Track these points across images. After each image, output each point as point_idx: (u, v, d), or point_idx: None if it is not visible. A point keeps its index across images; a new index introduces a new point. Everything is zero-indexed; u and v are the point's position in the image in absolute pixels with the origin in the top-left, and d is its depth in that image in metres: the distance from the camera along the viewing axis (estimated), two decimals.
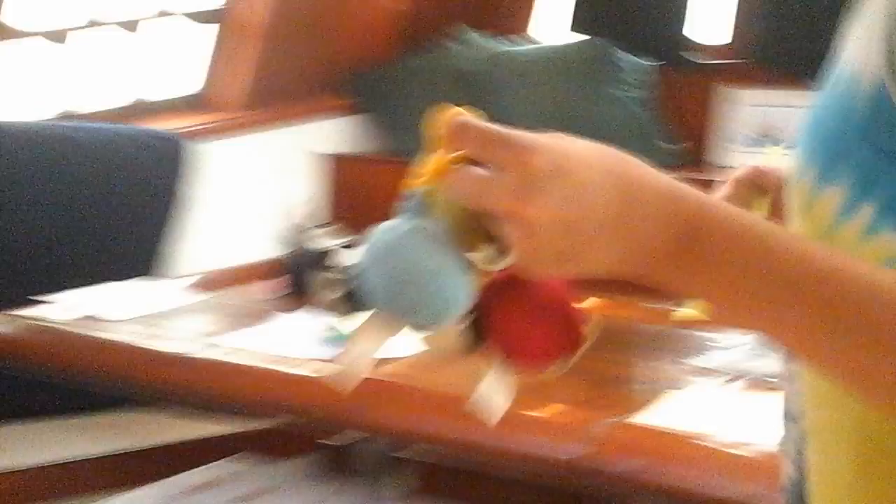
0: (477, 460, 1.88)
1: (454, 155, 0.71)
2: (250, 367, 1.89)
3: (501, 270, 0.74)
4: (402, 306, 0.73)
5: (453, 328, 0.76)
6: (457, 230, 0.73)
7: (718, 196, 0.95)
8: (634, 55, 3.67)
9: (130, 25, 3.45)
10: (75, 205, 2.99)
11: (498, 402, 0.78)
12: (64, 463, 2.57)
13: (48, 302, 2.19)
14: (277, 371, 1.88)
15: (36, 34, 3.25)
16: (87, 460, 2.61)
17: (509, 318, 0.76)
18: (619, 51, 3.67)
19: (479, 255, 0.73)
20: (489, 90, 3.73)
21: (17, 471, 2.53)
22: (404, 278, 0.72)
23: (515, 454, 1.74)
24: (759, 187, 0.96)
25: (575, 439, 1.71)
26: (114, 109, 3.43)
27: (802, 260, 0.72)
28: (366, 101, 3.86)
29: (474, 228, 0.73)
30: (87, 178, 3.04)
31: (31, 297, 2.20)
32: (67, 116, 3.30)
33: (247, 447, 2.44)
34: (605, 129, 3.36)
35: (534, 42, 4.00)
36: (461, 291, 0.73)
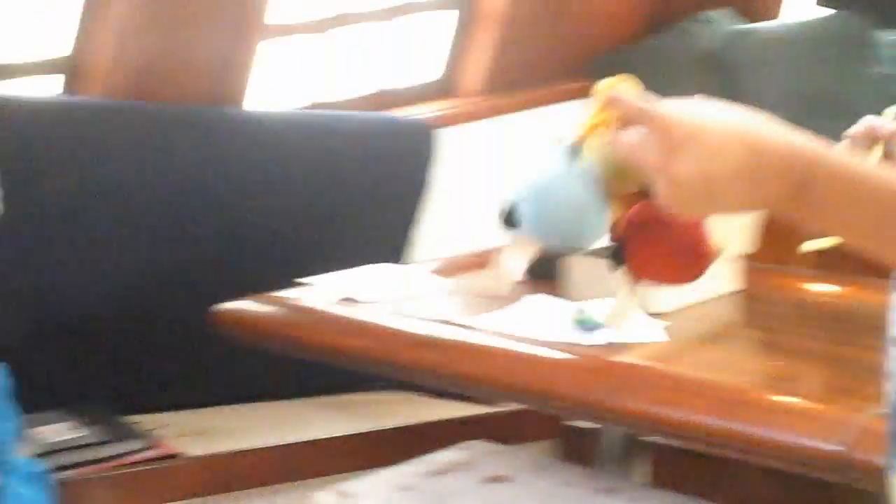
0: (724, 448, 1.84)
1: (607, 117, 0.91)
2: (500, 350, 1.91)
3: (639, 210, 0.96)
4: (552, 230, 0.93)
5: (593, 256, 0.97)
6: (608, 175, 0.92)
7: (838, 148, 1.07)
8: (890, 30, 3.51)
9: (380, 16, 3.54)
10: (330, 190, 3.10)
11: (626, 315, 1.01)
12: (312, 441, 2.66)
13: (306, 284, 2.26)
14: (527, 354, 1.89)
15: (298, 30, 3.39)
16: (333, 439, 2.70)
17: (642, 245, 0.96)
18: (873, 26, 3.51)
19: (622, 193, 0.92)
20: (732, 70, 3.65)
21: (267, 448, 2.64)
22: (558, 208, 0.92)
23: (768, 444, 1.70)
24: (873, 139, 1.16)
25: (832, 431, 1.65)
26: (359, 98, 3.52)
27: None
28: None
29: (622, 174, 0.92)
30: (341, 165, 3.15)
31: (290, 280, 2.29)
32: (317, 106, 3.42)
33: (489, 430, 2.47)
34: (859, 111, 3.23)
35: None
36: (600, 224, 0.94)
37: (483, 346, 1.93)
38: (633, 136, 0.89)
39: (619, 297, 1.03)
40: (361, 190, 3.16)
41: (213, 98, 3.14)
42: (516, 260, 1.05)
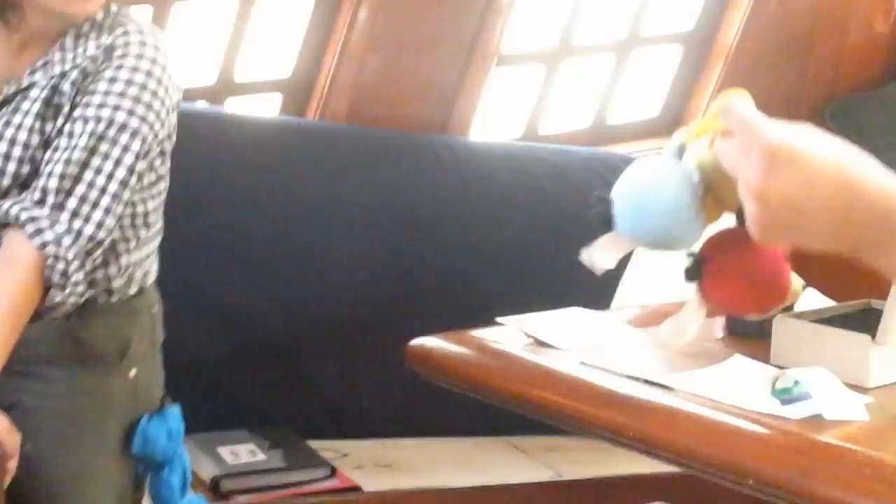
0: None
1: (719, 125, 0.91)
2: (688, 414, 1.81)
3: (727, 232, 0.95)
4: (645, 229, 0.92)
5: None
6: (707, 181, 0.93)
7: None
8: None
9: (606, 48, 3.47)
10: (543, 226, 3.05)
11: (689, 331, 0.99)
12: (492, 486, 2.60)
13: (502, 324, 2.21)
14: (717, 422, 1.78)
15: (528, 59, 3.36)
16: (513, 486, 2.63)
17: (721, 267, 0.94)
18: None
19: (725, 200, 0.92)
20: None
21: (447, 490, 2.59)
22: (653, 207, 0.91)
23: None
24: None
25: None
26: (573, 132, 3.46)
27: None
28: (840, 129, 3.64)
29: (722, 183, 0.90)
30: (555, 200, 3.08)
31: (491, 317, 2.24)
32: (537, 138, 3.37)
33: (674, 490, 2.36)
34: None
35: None
36: (695, 228, 0.93)
37: (672, 409, 1.83)
38: (736, 147, 0.88)
39: (685, 312, 1.01)
40: (574, 227, 3.08)
41: (437, 125, 3.14)
42: (607, 256, 0.98)
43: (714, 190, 0.95)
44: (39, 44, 1.68)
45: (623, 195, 0.93)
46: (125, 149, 1.64)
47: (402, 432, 2.85)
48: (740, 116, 0.89)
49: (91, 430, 1.79)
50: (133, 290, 1.78)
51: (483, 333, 2.23)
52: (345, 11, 3.08)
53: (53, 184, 1.61)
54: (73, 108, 1.63)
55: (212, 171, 2.83)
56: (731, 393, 1.86)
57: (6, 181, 1.64)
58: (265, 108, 3.21)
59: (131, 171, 1.65)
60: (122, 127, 1.63)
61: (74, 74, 1.65)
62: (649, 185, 0.94)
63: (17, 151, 1.63)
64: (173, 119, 1.74)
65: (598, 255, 0.99)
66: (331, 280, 2.87)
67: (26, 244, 1.59)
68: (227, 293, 2.77)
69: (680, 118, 3.53)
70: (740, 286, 0.96)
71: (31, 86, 1.65)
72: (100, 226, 1.63)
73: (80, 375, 1.74)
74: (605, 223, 0.97)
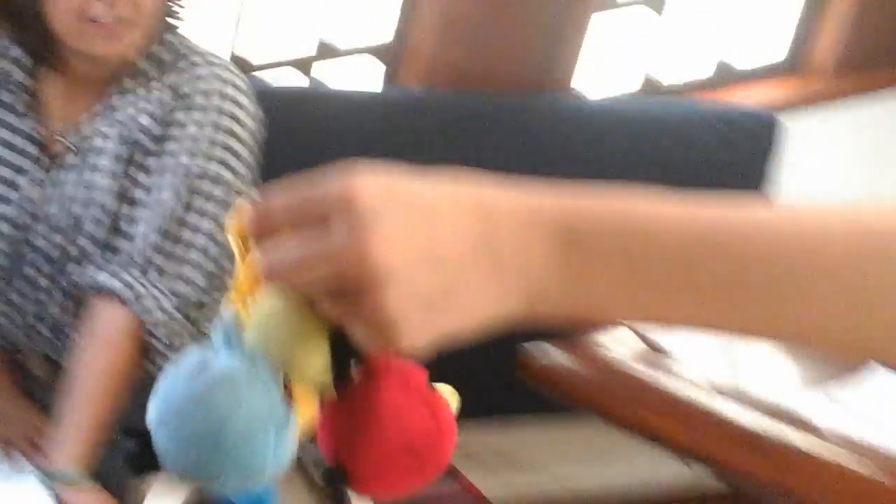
0: None
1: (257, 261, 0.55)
2: (847, 473, 1.64)
3: (341, 399, 0.60)
4: (201, 471, 0.57)
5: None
6: (279, 350, 0.57)
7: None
8: None
9: None
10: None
11: None
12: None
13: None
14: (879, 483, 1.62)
15: (637, 3, 3.15)
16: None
17: (370, 452, 0.61)
18: None
19: (311, 370, 0.57)
20: None
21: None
22: (203, 439, 0.56)
23: None
24: None
25: None
26: (697, 81, 3.24)
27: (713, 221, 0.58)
28: None
29: (308, 338, 0.57)
30: (673, 160, 2.90)
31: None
32: (650, 88, 3.18)
33: None
34: None
35: None
36: (280, 444, 0.58)
37: (821, 462, 1.66)
38: (294, 241, 0.56)
39: None
40: (694, 189, 2.90)
41: (540, 83, 2.96)
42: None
43: (295, 353, 0.58)
44: (91, 87, 1.56)
45: (165, 421, 0.58)
46: (214, 201, 1.54)
47: (510, 413, 2.70)
48: (285, 195, 0.57)
49: None
50: None
51: (598, 338, 2.09)
52: None
53: (140, 245, 1.51)
54: (148, 157, 1.51)
55: (312, 148, 2.71)
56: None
57: (84, 241, 1.54)
58: (362, 74, 3.07)
59: (220, 222, 1.54)
60: (210, 177, 1.52)
61: (144, 121, 1.53)
62: (199, 402, 0.58)
63: (93, 211, 1.53)
64: (257, 156, 1.62)
65: (159, 497, 0.60)
66: None
67: (126, 313, 1.50)
68: None
69: (808, 59, 3.29)
70: (400, 459, 0.62)
71: (95, 135, 1.54)
72: (195, 284, 1.54)
73: None
74: (150, 466, 0.61)
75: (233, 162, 1.54)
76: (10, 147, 1.56)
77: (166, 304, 1.51)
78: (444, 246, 0.56)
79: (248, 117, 1.57)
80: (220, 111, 1.53)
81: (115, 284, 1.50)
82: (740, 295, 0.58)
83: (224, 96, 1.54)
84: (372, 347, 0.56)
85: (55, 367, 1.61)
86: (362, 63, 3.05)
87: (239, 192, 1.56)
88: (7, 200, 1.54)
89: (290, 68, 2.99)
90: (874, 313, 0.57)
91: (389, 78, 3.02)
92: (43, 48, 1.53)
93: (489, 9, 2.90)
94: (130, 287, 1.50)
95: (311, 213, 0.56)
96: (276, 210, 0.57)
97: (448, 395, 0.68)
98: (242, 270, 0.58)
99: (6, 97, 1.56)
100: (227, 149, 1.53)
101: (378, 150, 2.72)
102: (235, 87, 1.55)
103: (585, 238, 0.58)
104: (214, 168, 1.52)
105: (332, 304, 0.56)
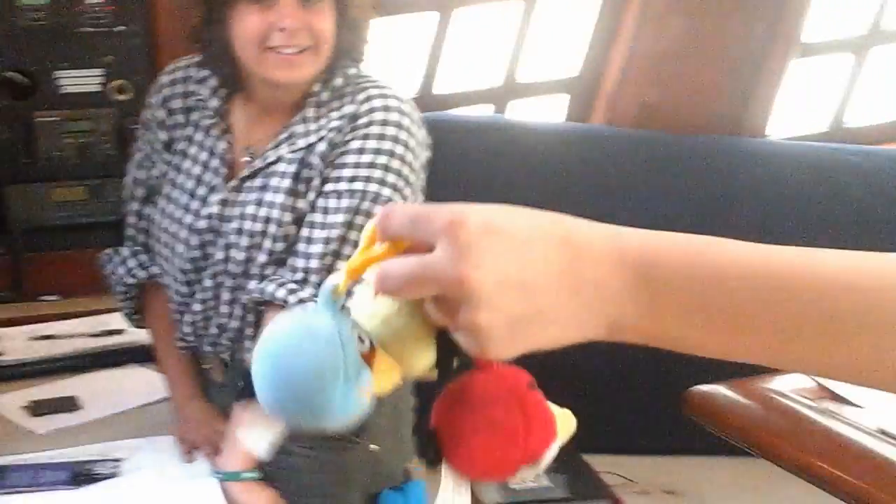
0: None
1: (379, 250, 0.65)
2: None
3: (450, 389, 0.70)
4: (277, 405, 0.67)
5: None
6: (379, 336, 0.68)
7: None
8: None
9: None
10: (841, 236, 2.83)
11: None
12: None
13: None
14: None
15: (831, 49, 3.12)
16: None
17: (460, 435, 0.70)
18: None
19: (421, 364, 0.67)
20: None
21: None
22: (288, 380, 0.66)
23: None
24: None
25: None
26: (882, 125, 3.18)
27: (768, 267, 0.65)
28: None
29: (395, 336, 0.67)
30: (851, 205, 2.86)
31: None
32: (837, 133, 3.13)
33: None
34: None
35: None
36: (346, 397, 0.67)
37: None
38: (409, 257, 0.63)
39: (446, 496, 0.72)
40: (881, 236, 2.84)
41: (732, 128, 2.96)
42: (256, 438, 0.76)
43: (387, 346, 0.68)
44: (276, 113, 1.66)
45: (258, 358, 0.68)
46: None
47: (679, 450, 2.70)
48: (403, 211, 0.65)
49: None
50: None
51: (772, 384, 2.07)
52: (633, 7, 2.95)
53: (315, 263, 1.59)
54: (323, 181, 1.61)
55: (496, 180, 2.78)
56: None
57: (262, 258, 1.63)
58: (551, 109, 3.13)
59: None
60: (375, 198, 1.60)
61: (321, 147, 1.62)
62: (284, 344, 0.67)
63: (272, 229, 1.62)
64: (422, 180, 1.69)
65: (249, 437, 0.73)
66: None
67: None
68: None
69: None
70: (483, 446, 0.70)
71: (276, 159, 1.64)
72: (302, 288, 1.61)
73: (320, 450, 1.71)
74: (249, 396, 0.72)
75: (400, 185, 1.61)
76: (206, 167, 1.68)
77: None
78: (534, 274, 0.63)
79: (417, 144, 1.64)
80: (382, 136, 1.60)
81: (290, 299, 1.58)
82: (795, 335, 0.64)
83: (386, 123, 1.61)
84: (469, 351, 0.65)
85: (233, 372, 1.71)
86: (550, 98, 3.11)
87: None
88: (198, 215, 1.66)
89: (481, 103, 3.07)
90: None
91: (576, 112, 3.07)
92: (233, 77, 1.64)
93: (684, 50, 2.92)
94: (301, 302, 1.58)
95: (423, 231, 0.64)
96: (397, 220, 0.65)
97: (561, 414, 0.76)
98: (359, 258, 0.67)
99: (205, 121, 1.68)
100: (397, 173, 1.60)
101: (560, 181, 2.79)
102: (405, 114, 1.62)
103: (658, 276, 0.65)
104: (374, 187, 1.59)
105: (437, 312, 0.65)
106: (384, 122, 1.63)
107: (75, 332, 2.09)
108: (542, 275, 0.63)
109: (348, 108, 1.64)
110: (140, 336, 2.04)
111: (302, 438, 1.67)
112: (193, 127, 1.71)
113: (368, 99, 1.64)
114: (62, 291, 2.33)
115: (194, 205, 1.67)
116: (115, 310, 2.18)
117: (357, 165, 1.61)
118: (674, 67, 2.93)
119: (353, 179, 1.61)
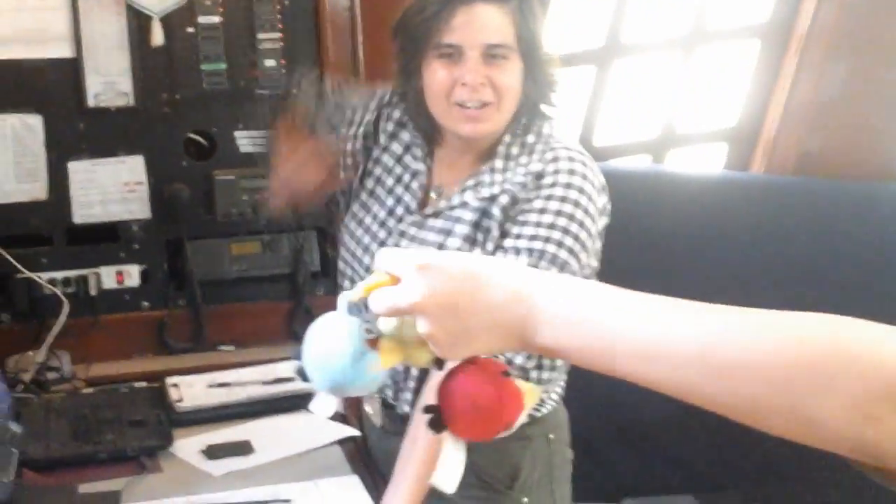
0: None
1: (379, 279, 0.96)
2: None
3: (447, 375, 1.01)
4: (318, 373, 0.99)
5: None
6: (406, 348, 0.98)
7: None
8: None
9: None
10: None
11: (455, 474, 1.04)
12: None
13: None
14: None
15: None
16: None
17: (455, 412, 1.00)
18: None
19: (423, 359, 0.98)
20: None
21: None
22: (314, 354, 0.99)
23: None
24: None
25: None
26: None
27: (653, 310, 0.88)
28: None
29: (410, 336, 0.97)
30: None
31: None
32: None
33: None
34: None
35: None
36: (361, 369, 0.98)
37: None
38: (390, 288, 0.94)
39: (448, 456, 1.04)
40: None
41: (891, 173, 2.93)
42: (322, 406, 1.07)
43: (398, 343, 0.99)
44: (468, 157, 1.73)
45: (304, 347, 1.01)
46: None
47: None
48: (392, 256, 0.95)
49: None
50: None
51: None
52: (791, 55, 2.95)
53: None
54: (502, 234, 1.66)
55: (655, 229, 2.82)
56: None
57: None
58: (709, 159, 3.15)
59: None
60: (553, 259, 1.62)
61: (504, 199, 1.67)
62: (318, 335, 1.00)
63: None
64: (598, 245, 1.72)
65: (316, 406, 1.08)
66: None
67: None
68: None
69: None
70: (471, 413, 1.01)
71: (460, 203, 1.70)
72: (531, 359, 1.64)
73: (468, 500, 1.71)
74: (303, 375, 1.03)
75: (569, 243, 1.63)
76: (408, 188, 1.77)
77: (518, 360, 1.61)
78: (464, 306, 0.91)
79: (597, 211, 1.67)
80: (565, 199, 1.64)
81: None
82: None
83: (570, 186, 1.64)
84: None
85: (392, 415, 1.78)
86: (709, 146, 3.13)
87: (573, 274, 1.63)
88: (391, 232, 1.74)
89: (639, 154, 3.11)
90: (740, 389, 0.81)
91: (734, 161, 3.08)
92: (429, 129, 1.73)
93: (844, 96, 2.90)
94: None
95: (397, 269, 0.94)
96: (387, 259, 0.96)
97: (527, 388, 1.07)
98: (372, 283, 0.96)
99: (412, 163, 1.77)
100: (566, 231, 1.63)
101: (718, 228, 2.80)
102: (584, 177, 1.65)
103: (547, 308, 0.90)
104: (552, 248, 1.62)
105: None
106: (568, 186, 1.66)
107: (249, 380, 2.20)
108: (470, 307, 0.91)
109: (535, 166, 1.69)
110: (308, 384, 2.15)
111: (464, 487, 1.70)
112: (403, 147, 1.80)
113: (556, 160, 1.68)
114: (236, 341, 2.45)
115: (391, 222, 1.75)
116: (285, 358, 2.30)
117: (538, 225, 1.65)
118: (834, 114, 2.91)
119: (532, 238, 1.64)
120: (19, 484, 1.72)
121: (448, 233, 1.71)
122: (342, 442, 1.97)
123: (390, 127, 1.83)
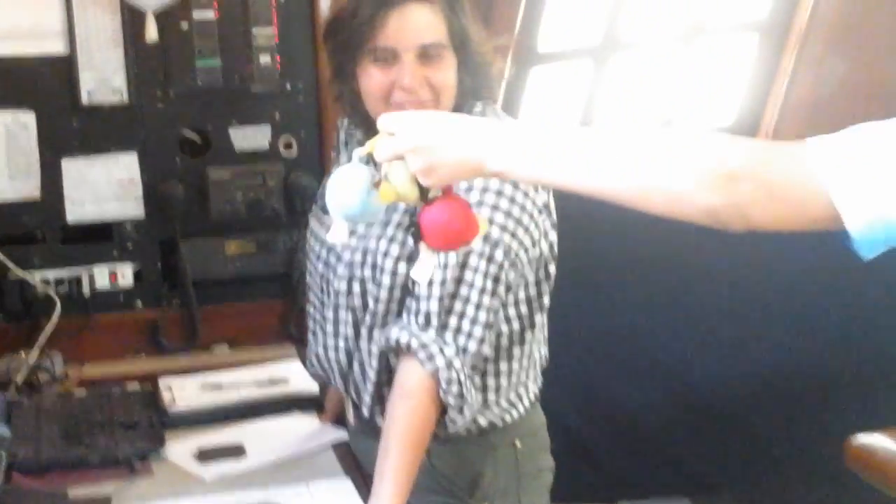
0: None
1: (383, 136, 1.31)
2: None
3: (426, 205, 1.32)
4: (338, 203, 1.33)
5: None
6: (400, 186, 1.31)
7: None
8: None
9: None
10: None
11: (428, 271, 1.35)
12: None
13: None
14: None
15: None
16: None
17: (429, 224, 1.32)
18: None
19: (411, 196, 1.32)
20: None
21: None
22: (334, 192, 1.33)
23: None
24: None
25: None
26: None
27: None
28: None
29: (406, 177, 1.30)
30: None
31: None
32: None
33: None
34: None
35: None
36: (372, 201, 1.32)
37: None
38: (387, 138, 1.29)
39: (424, 259, 1.35)
40: None
41: None
42: (338, 234, 1.38)
43: (396, 183, 1.30)
44: None
45: (326, 189, 1.36)
46: (490, 259, 1.63)
47: None
48: (391, 117, 1.30)
49: None
50: (484, 423, 1.75)
51: None
52: (790, 49, 2.94)
53: (434, 306, 1.63)
54: None
55: (651, 224, 2.80)
56: None
57: (380, 307, 1.68)
58: None
59: (496, 280, 1.64)
60: (486, 237, 1.62)
61: None
62: (337, 179, 1.34)
63: (383, 279, 1.67)
64: (543, 222, 1.72)
65: (332, 234, 1.37)
66: (776, 356, 2.76)
67: (420, 371, 1.62)
68: (675, 361, 2.74)
69: None
70: (443, 236, 1.32)
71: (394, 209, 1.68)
72: (481, 340, 1.64)
73: None
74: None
75: (510, 225, 1.62)
76: None
77: (457, 362, 1.62)
78: (438, 143, 1.25)
79: (535, 190, 1.67)
80: (514, 184, 1.64)
81: (412, 343, 1.62)
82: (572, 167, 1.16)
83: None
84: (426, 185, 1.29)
85: (365, 419, 1.77)
86: None
87: (509, 251, 1.65)
88: (338, 258, 1.75)
89: None
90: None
91: None
92: (368, 127, 1.70)
93: (844, 93, 2.89)
94: (423, 346, 1.62)
95: (396, 125, 1.29)
96: (388, 118, 1.31)
97: (481, 219, 1.36)
98: (373, 146, 1.32)
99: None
100: (506, 214, 1.63)
101: (720, 244, 2.79)
102: None
103: (508, 135, 1.22)
104: (495, 232, 1.62)
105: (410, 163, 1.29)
106: None
107: (242, 382, 2.19)
108: (440, 124, 1.26)
109: None
110: (302, 385, 2.15)
111: (420, 492, 1.68)
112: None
113: None
114: (230, 341, 2.44)
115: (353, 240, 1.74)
116: (280, 358, 2.29)
117: (478, 204, 1.64)
118: (833, 111, 2.90)
119: (478, 205, 1.64)
120: (8, 488, 1.71)
121: (377, 238, 1.71)
122: (335, 445, 1.96)
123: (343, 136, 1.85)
